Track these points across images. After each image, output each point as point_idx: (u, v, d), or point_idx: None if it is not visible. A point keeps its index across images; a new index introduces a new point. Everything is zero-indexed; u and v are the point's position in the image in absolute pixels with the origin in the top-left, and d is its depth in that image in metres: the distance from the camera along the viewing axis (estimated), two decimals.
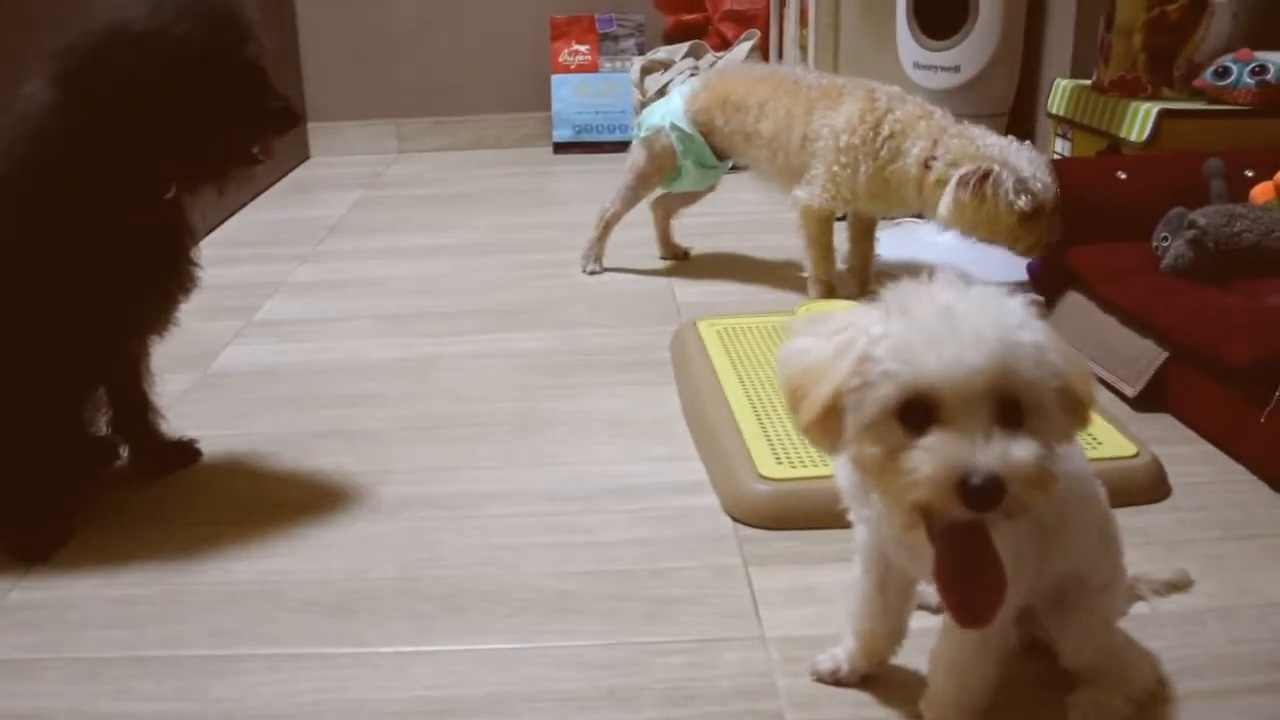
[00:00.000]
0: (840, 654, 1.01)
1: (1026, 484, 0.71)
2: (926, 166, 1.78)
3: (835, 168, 1.87)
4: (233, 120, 1.30)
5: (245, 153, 1.34)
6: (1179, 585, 1.13)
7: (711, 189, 2.28)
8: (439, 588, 1.20)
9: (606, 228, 2.27)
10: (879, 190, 1.86)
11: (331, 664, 1.08)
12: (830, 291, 1.99)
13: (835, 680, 1.01)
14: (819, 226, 1.97)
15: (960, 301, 0.74)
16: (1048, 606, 0.94)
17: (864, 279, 2.04)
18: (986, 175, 1.70)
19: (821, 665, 1.01)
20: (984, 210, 1.71)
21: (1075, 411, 0.77)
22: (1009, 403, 0.72)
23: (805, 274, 2.02)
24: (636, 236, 2.37)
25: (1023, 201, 1.69)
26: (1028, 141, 1.76)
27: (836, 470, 0.91)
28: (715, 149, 2.12)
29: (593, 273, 2.27)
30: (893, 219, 2.21)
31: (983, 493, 0.70)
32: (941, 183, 1.75)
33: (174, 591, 1.22)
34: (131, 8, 1.24)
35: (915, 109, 1.84)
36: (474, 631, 1.12)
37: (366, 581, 1.22)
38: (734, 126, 2.04)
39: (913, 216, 2.17)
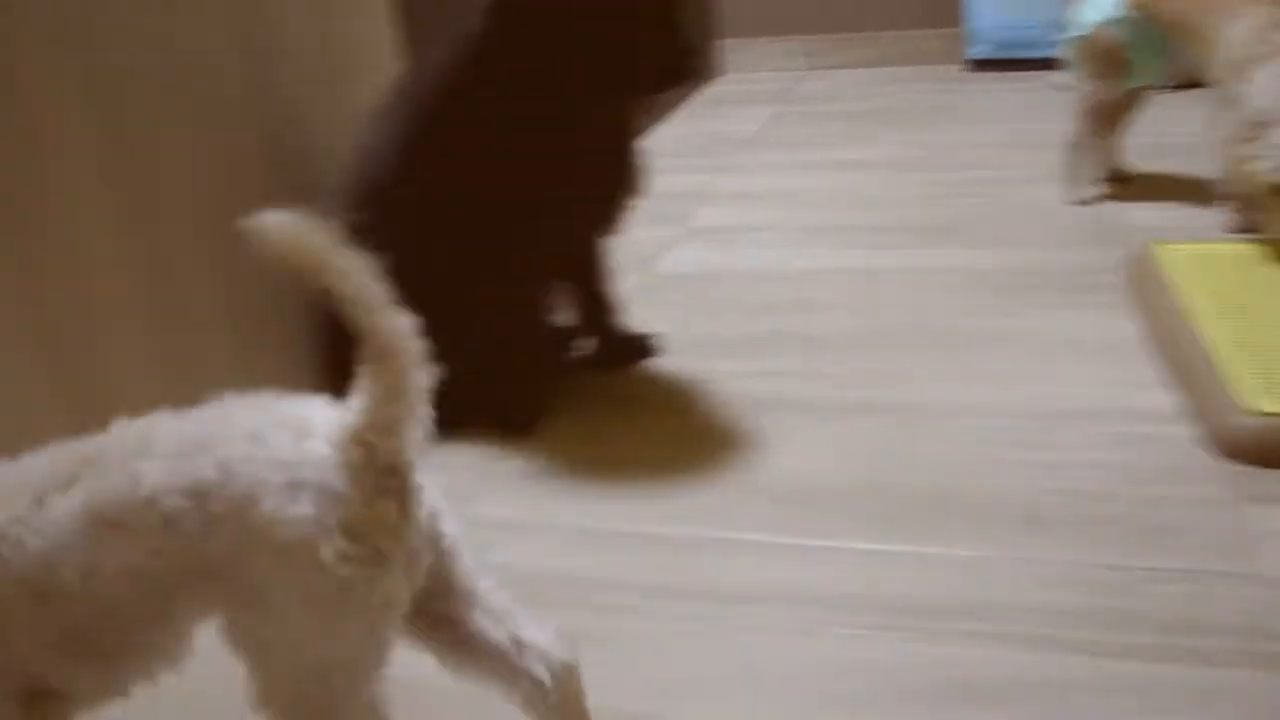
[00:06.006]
0: None
1: None
2: None
3: None
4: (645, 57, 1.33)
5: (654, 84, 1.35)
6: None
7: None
8: (904, 492, 1.22)
9: (1078, 154, 2.13)
10: None
11: (799, 554, 1.12)
12: None
13: None
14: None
15: None
16: None
17: None
18: None
19: None
20: None
21: None
22: None
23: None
24: None
25: None
26: None
27: None
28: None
29: (1082, 203, 2.12)
30: None
31: None
32: None
33: (649, 472, 1.30)
34: None
35: None
36: (943, 537, 1.13)
37: (830, 479, 1.25)
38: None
39: None
